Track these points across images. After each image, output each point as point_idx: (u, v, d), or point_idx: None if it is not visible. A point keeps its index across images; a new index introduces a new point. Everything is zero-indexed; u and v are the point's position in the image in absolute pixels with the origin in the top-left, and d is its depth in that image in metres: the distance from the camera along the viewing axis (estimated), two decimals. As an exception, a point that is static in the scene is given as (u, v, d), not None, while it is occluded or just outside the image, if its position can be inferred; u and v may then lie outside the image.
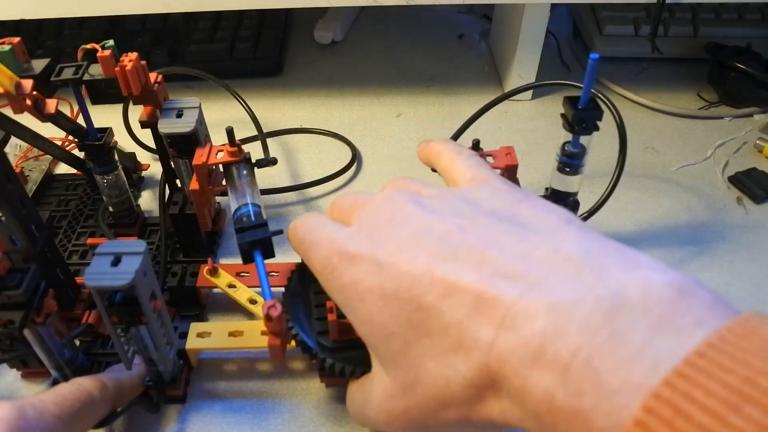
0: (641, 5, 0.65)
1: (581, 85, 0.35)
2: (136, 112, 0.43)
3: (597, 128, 0.36)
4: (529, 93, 0.60)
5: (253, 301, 0.38)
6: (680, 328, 0.19)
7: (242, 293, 0.38)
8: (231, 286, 0.39)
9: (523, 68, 0.58)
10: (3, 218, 0.32)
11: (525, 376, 0.21)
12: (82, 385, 0.31)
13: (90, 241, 0.44)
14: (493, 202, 0.27)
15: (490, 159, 0.37)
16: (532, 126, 0.57)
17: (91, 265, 0.27)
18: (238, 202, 0.35)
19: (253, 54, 0.64)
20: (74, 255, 0.44)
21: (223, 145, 0.37)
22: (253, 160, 0.37)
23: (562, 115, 0.37)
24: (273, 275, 0.40)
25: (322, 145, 0.56)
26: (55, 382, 0.35)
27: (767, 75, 0.55)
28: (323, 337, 0.31)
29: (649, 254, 0.22)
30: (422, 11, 0.75)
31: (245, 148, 0.37)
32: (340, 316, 0.31)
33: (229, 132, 0.35)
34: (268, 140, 0.55)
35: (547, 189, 0.41)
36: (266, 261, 0.33)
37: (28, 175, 0.50)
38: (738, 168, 0.51)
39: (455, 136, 0.45)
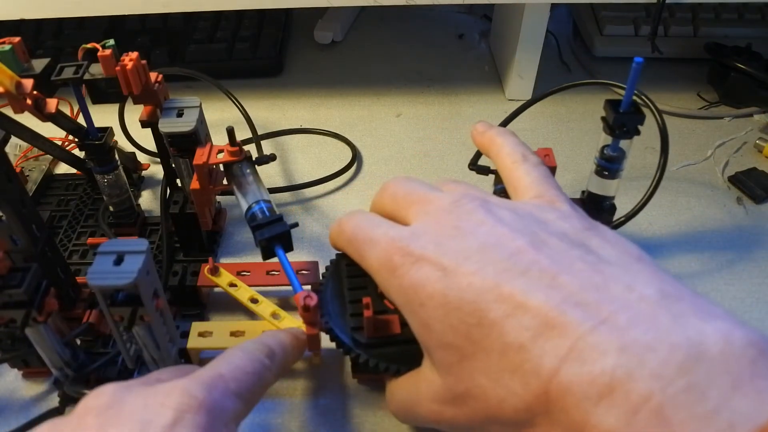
0: (641, 5, 0.65)
1: (622, 85, 0.35)
2: (134, 114, 0.43)
3: (638, 132, 0.36)
4: (529, 93, 0.60)
5: (254, 300, 0.38)
6: (761, 390, 0.18)
7: (243, 292, 0.38)
8: (232, 285, 0.39)
9: (523, 68, 0.58)
10: (4, 218, 0.32)
11: (588, 412, 0.20)
12: (255, 355, 0.28)
13: (90, 240, 0.44)
14: (562, 226, 0.26)
15: None
16: (532, 126, 0.57)
17: (94, 264, 0.27)
18: (248, 201, 0.34)
19: (253, 54, 0.64)
20: (75, 255, 0.44)
21: (224, 145, 0.37)
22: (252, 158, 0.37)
23: (603, 119, 0.36)
24: (274, 274, 0.40)
25: (322, 145, 0.56)
26: (56, 382, 0.35)
27: (767, 75, 0.55)
28: (358, 333, 0.31)
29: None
30: (422, 11, 0.75)
31: (245, 148, 0.37)
32: (377, 312, 0.30)
33: (230, 132, 0.35)
34: (269, 140, 0.55)
35: (583, 192, 0.41)
36: (270, 260, 0.33)
37: (28, 175, 0.50)
38: (738, 168, 0.51)
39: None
